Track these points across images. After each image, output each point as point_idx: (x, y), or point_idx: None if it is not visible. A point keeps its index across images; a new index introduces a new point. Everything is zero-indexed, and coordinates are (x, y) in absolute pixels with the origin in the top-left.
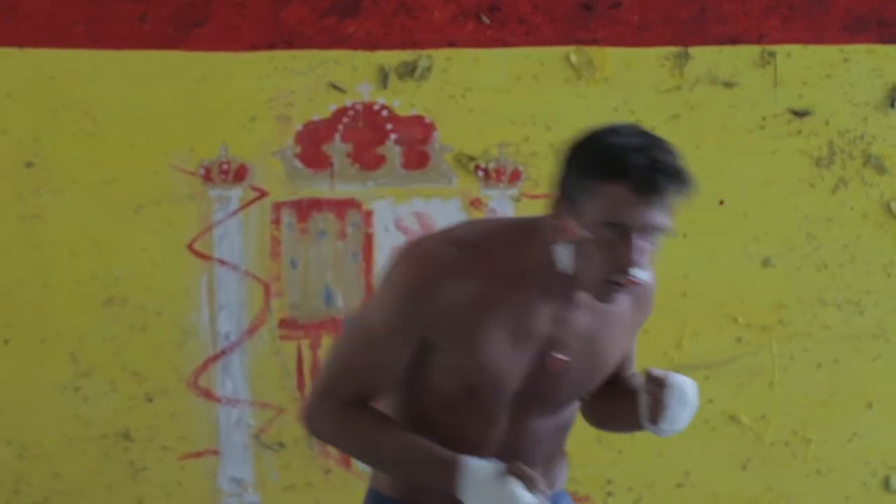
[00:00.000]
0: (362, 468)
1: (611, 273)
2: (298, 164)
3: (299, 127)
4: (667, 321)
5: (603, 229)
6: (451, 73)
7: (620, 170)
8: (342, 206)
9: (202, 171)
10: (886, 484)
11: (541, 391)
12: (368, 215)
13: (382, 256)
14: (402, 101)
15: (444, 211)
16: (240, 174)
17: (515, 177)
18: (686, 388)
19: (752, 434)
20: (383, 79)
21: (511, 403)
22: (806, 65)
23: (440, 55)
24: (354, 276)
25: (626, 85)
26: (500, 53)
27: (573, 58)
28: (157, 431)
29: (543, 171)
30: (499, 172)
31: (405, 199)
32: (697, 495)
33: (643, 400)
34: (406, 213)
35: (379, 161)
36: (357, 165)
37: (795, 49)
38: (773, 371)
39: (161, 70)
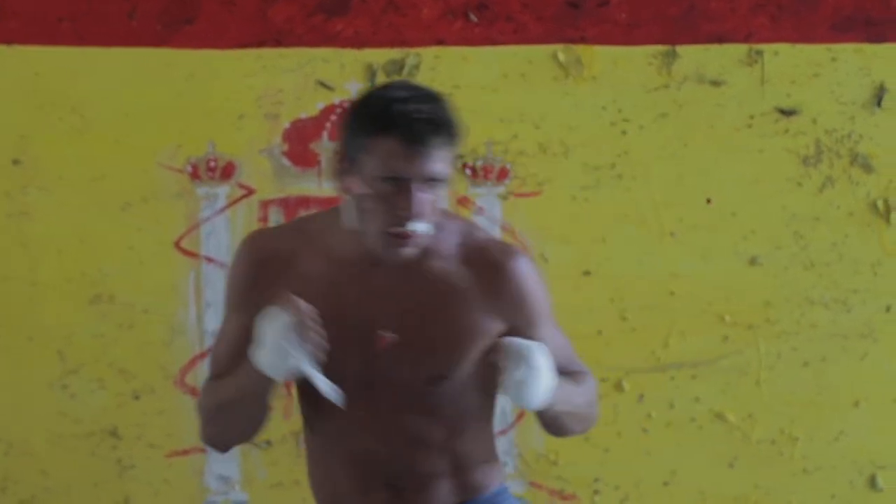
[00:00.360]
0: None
1: (389, 225)
2: (286, 161)
3: (287, 125)
4: (654, 320)
5: (380, 183)
6: (439, 72)
7: (386, 123)
8: (330, 204)
9: (189, 169)
10: (873, 483)
11: (366, 373)
12: None
13: None
14: None
15: None
16: (227, 172)
17: (503, 175)
18: (523, 350)
19: (739, 432)
20: (371, 77)
21: (355, 389)
22: (793, 63)
23: (428, 53)
24: None
25: (614, 83)
26: (488, 51)
27: (561, 56)
28: (145, 429)
29: (531, 170)
30: (486, 171)
31: None
32: (684, 494)
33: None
34: None
35: None
36: None
37: (783, 48)
38: (760, 370)
39: (149, 67)
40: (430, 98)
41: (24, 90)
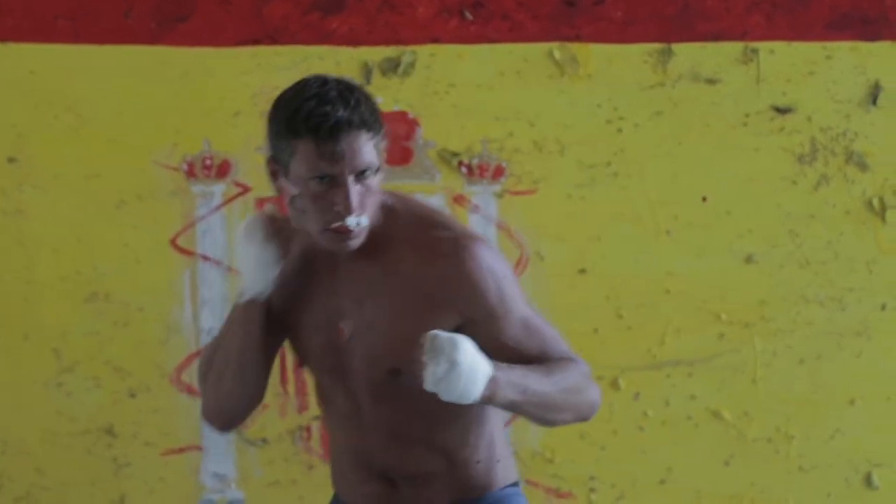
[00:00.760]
0: None
1: (327, 222)
2: None
3: None
4: (649, 318)
5: (311, 183)
6: (435, 70)
7: (297, 127)
8: None
9: (185, 167)
10: (868, 481)
11: (338, 364)
12: None
13: None
14: (386, 97)
15: None
16: (223, 170)
17: (499, 173)
18: (442, 344)
19: (735, 430)
20: (367, 75)
21: (333, 380)
22: (789, 62)
23: (424, 51)
24: None
25: (610, 81)
26: (484, 50)
27: (557, 54)
28: (140, 427)
29: (527, 168)
30: (482, 169)
31: None
32: (680, 491)
33: None
34: None
35: None
36: None
37: (778, 46)
38: (756, 367)
39: (144, 65)
40: (338, 92)
41: (19, 88)
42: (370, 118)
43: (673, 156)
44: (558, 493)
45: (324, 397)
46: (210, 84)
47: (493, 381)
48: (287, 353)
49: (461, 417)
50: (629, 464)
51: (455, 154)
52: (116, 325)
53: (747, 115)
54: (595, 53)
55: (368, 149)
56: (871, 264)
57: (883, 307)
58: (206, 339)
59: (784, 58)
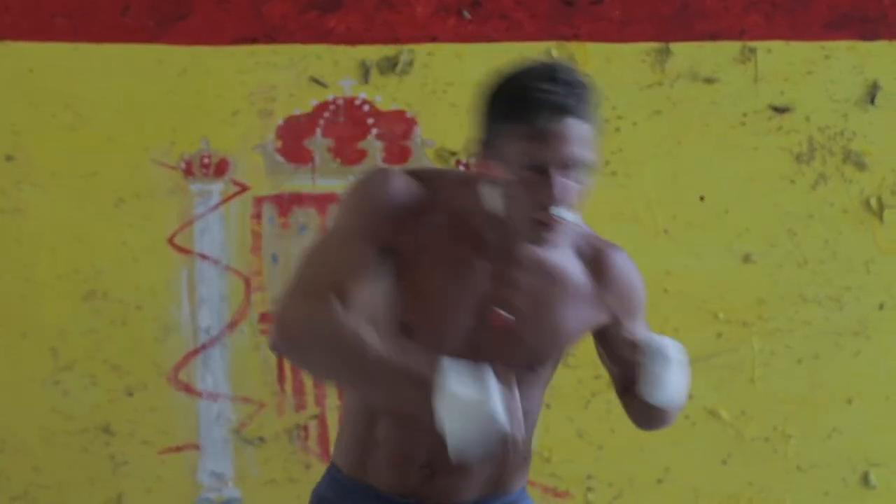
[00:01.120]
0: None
1: (533, 211)
2: (279, 158)
3: (280, 121)
4: (648, 317)
5: (522, 170)
6: (433, 68)
7: (525, 111)
8: (323, 201)
9: (183, 166)
10: (866, 480)
11: (483, 350)
12: None
13: None
14: (384, 95)
15: None
16: (221, 168)
17: None
18: (665, 348)
19: (733, 430)
20: (365, 73)
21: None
22: (787, 61)
23: (422, 50)
24: None
25: (608, 81)
26: (482, 48)
27: (555, 53)
28: (138, 426)
29: None
30: None
31: None
32: (677, 491)
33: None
34: None
35: (360, 156)
36: (338, 160)
37: (776, 45)
38: (754, 367)
39: (142, 64)
40: (570, 83)
41: (17, 86)
42: (596, 115)
43: (671, 155)
44: (556, 493)
45: None
46: (208, 83)
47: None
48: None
49: (533, 413)
50: (627, 463)
51: (453, 153)
52: (114, 323)
53: (745, 115)
54: (593, 53)
55: (590, 145)
56: (869, 263)
57: (881, 306)
58: (203, 338)
59: (782, 57)
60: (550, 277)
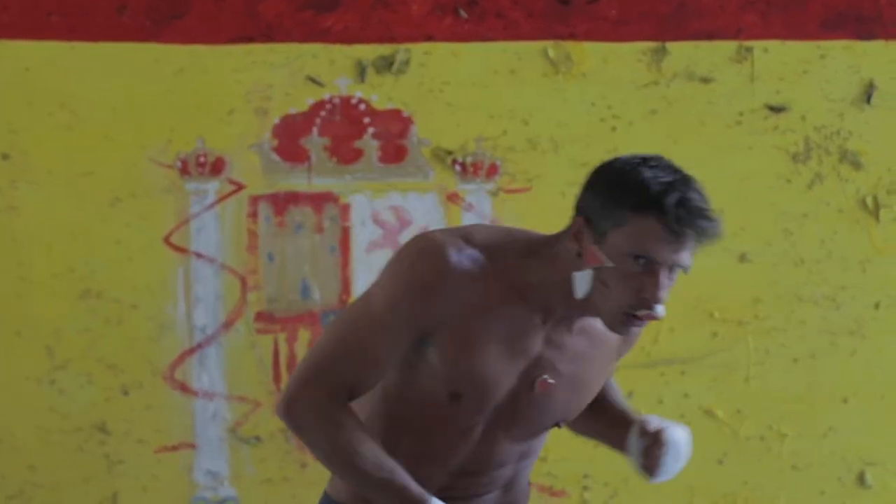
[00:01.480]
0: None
1: (632, 305)
2: (276, 157)
3: (277, 120)
4: None
5: (629, 261)
6: (429, 68)
7: (657, 205)
8: (319, 200)
9: (179, 164)
10: (861, 479)
11: (521, 411)
12: (346, 209)
13: (359, 250)
14: (380, 94)
15: (421, 205)
16: (217, 167)
17: (493, 171)
18: (681, 444)
19: (728, 429)
20: (361, 72)
21: (487, 419)
22: (783, 60)
23: (418, 49)
24: (331, 269)
25: (604, 80)
26: (478, 48)
27: (551, 52)
28: (133, 424)
29: (521, 166)
30: (476, 167)
31: (382, 193)
32: (673, 490)
33: (634, 445)
34: (383, 207)
35: (356, 155)
36: (334, 159)
37: (772, 45)
38: (749, 366)
39: (139, 63)
40: (699, 189)
41: (13, 85)
42: (720, 227)
43: (667, 154)
44: (552, 492)
45: (425, 411)
46: (204, 81)
47: None
48: (280, 349)
49: (539, 449)
50: (622, 462)
51: (449, 152)
52: (109, 322)
53: (741, 114)
54: (589, 52)
55: (696, 251)
56: (864, 263)
57: (877, 306)
58: (199, 337)
59: (778, 57)
60: (593, 341)
